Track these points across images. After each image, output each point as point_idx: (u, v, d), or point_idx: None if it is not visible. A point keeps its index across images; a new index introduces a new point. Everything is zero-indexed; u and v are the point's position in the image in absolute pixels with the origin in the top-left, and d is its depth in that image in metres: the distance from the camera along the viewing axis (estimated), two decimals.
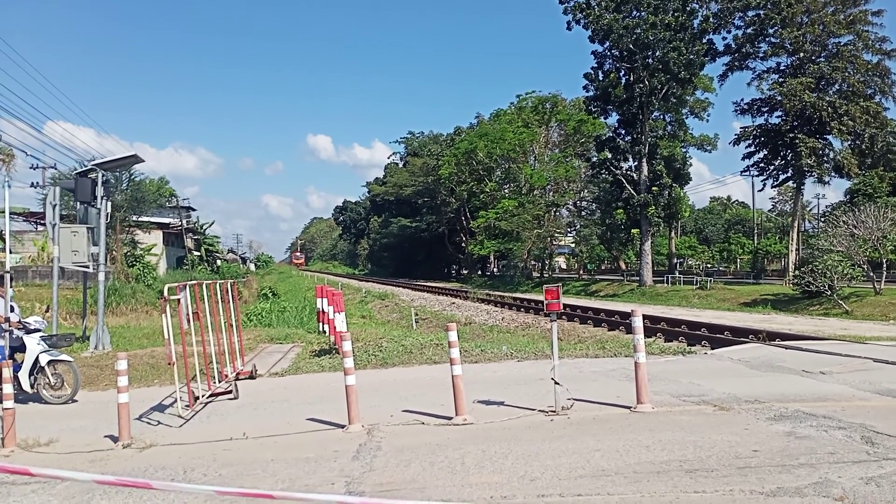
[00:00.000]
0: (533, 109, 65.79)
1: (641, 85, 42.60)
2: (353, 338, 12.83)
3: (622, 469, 5.46)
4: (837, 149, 44.98)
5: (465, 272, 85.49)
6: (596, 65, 45.95)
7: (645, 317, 19.60)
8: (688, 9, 41.40)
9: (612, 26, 41.28)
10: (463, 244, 79.05)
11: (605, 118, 50.53)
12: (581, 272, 67.91)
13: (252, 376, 11.07)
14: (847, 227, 30.13)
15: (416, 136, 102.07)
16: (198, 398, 8.83)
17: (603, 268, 72.19)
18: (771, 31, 43.25)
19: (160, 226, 52.82)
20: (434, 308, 36.66)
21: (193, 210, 69.47)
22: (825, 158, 44.39)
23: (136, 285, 33.24)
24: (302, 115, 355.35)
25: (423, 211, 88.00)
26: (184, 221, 56.40)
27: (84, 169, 15.65)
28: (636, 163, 45.52)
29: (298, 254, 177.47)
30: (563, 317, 25.12)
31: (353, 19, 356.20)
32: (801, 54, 43.52)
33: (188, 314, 8.88)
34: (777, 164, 46.29)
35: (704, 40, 42.70)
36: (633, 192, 44.50)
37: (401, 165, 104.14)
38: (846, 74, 42.42)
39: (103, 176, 14.75)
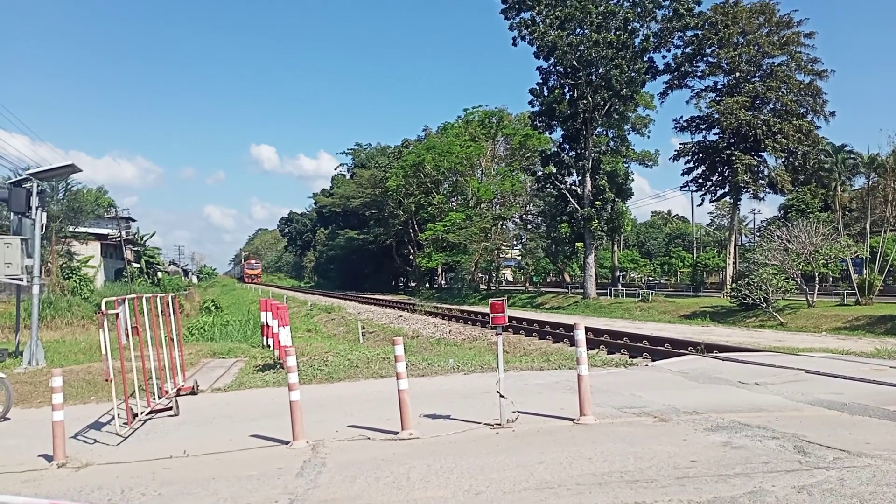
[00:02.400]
0: (480, 123, 66.39)
1: (585, 101, 43.48)
2: (298, 352, 12.69)
3: (565, 481, 5.54)
4: (772, 166, 46.72)
5: (413, 285, 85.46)
6: (541, 81, 46.81)
7: (588, 329, 19.93)
8: (629, 28, 42.48)
9: (557, 43, 42.06)
10: (411, 256, 79.06)
11: (549, 133, 51.45)
12: (527, 285, 68.67)
13: (193, 392, 10.84)
14: (781, 242, 31.22)
15: (364, 147, 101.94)
16: (136, 415, 8.60)
17: (548, 280, 73.12)
18: (708, 50, 44.73)
19: (98, 237, 51.46)
20: (381, 321, 36.51)
21: (133, 221, 67.94)
22: (760, 175, 46.01)
23: (72, 298, 32.25)
24: (245, 123, 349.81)
25: (371, 223, 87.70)
26: (123, 232, 55.00)
27: (18, 178, 15.15)
28: (580, 177, 46.38)
29: (254, 262, 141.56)
30: (509, 329, 25.32)
31: (297, 27, 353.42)
32: (738, 74, 45.13)
33: (127, 329, 8.66)
34: (715, 179, 47.79)
35: (645, 58, 43.89)
36: (577, 206, 45.27)
37: (348, 177, 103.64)
38: (780, 94, 44.13)
39: (38, 186, 14.30)
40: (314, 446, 7.11)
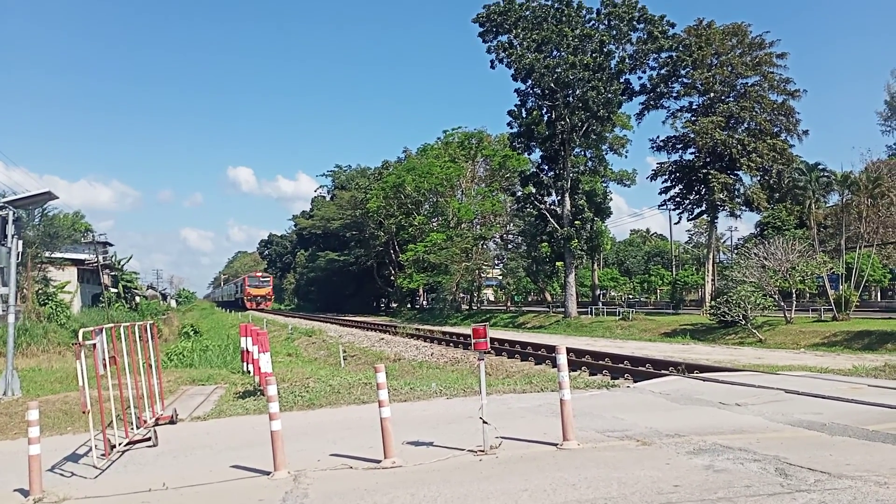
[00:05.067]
0: (459, 145, 66.78)
1: (563, 122, 43.92)
2: (278, 378, 12.59)
3: None
4: (747, 184, 47.36)
5: (395, 306, 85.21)
6: (519, 102, 47.25)
7: (570, 350, 19.91)
8: (605, 50, 43.08)
9: (534, 65, 42.52)
10: (392, 277, 78.89)
11: (528, 154, 51.79)
12: (508, 304, 68.75)
13: (172, 421, 10.69)
14: (758, 259, 31.52)
15: (344, 169, 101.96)
16: (114, 446, 8.48)
17: (530, 299, 73.35)
18: (683, 72, 45.37)
19: (75, 262, 50.80)
20: (363, 344, 36.31)
21: (110, 245, 67.16)
22: (736, 193, 46.60)
23: (48, 325, 31.79)
24: (222, 145, 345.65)
25: (352, 244, 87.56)
26: (100, 257, 54.35)
27: None
28: (559, 197, 46.71)
29: (260, 277, 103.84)
30: (491, 352, 25.26)
31: (274, 48, 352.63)
32: (712, 94, 45.83)
33: (104, 359, 8.54)
34: (692, 198, 48.30)
35: (621, 80, 44.48)
36: (556, 225, 45.53)
37: (328, 199, 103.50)
38: (754, 113, 44.86)
39: (14, 213, 14.14)
40: (296, 476, 7.04)
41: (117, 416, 9.06)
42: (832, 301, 31.77)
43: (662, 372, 16.95)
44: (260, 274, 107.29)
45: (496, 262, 72.67)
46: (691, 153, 47.25)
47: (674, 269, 67.74)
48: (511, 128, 48.82)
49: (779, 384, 12.17)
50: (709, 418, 9.41)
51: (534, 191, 47.83)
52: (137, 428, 9.43)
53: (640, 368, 18.46)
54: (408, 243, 66.12)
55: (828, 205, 57.06)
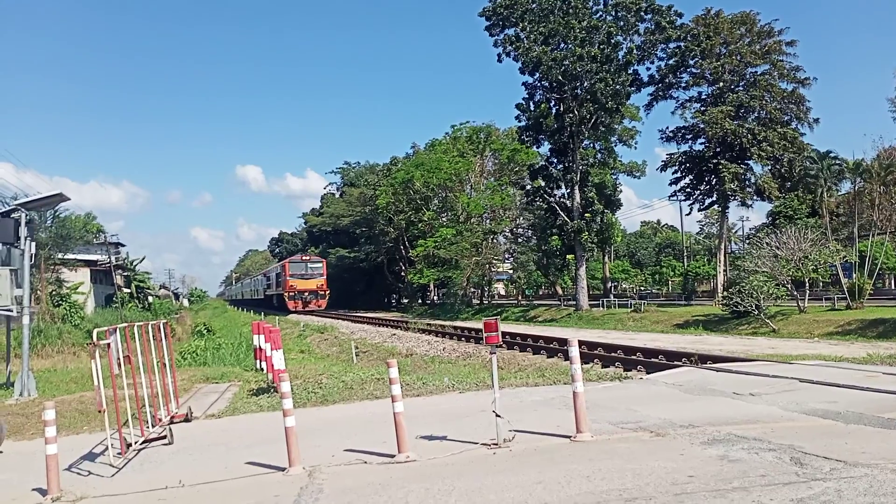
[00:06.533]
0: (468, 139, 66.67)
1: (571, 115, 43.71)
2: (291, 375, 12.65)
3: (564, 501, 5.52)
4: (758, 173, 47.15)
5: (406, 301, 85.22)
6: (527, 95, 47.06)
7: (582, 342, 19.91)
8: (612, 41, 42.81)
9: (541, 58, 42.34)
10: (402, 273, 78.97)
11: (537, 147, 51.59)
12: (519, 298, 68.64)
13: (187, 419, 10.75)
14: (770, 249, 31.32)
15: (353, 166, 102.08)
16: (130, 445, 8.53)
17: (541, 293, 73.14)
18: (692, 62, 45.18)
19: (87, 263, 51.21)
20: (375, 340, 36.36)
21: (122, 245, 67.64)
22: (747, 183, 46.41)
23: (62, 326, 32.07)
24: (230, 145, 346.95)
25: (362, 241, 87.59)
26: (112, 258, 54.68)
27: (6, 209, 15.09)
28: (569, 190, 46.52)
29: (310, 262, 74.66)
30: (503, 345, 25.24)
31: (280, 47, 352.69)
32: (721, 84, 45.58)
33: (119, 358, 8.60)
34: (702, 188, 48.15)
35: (630, 71, 44.17)
36: (566, 218, 45.39)
37: (337, 196, 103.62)
38: (764, 102, 44.60)
39: (27, 216, 14.25)
40: (311, 472, 7.07)
41: (133, 415, 9.11)
42: (846, 289, 31.55)
43: (675, 363, 16.89)
44: (308, 257, 76.96)
45: (506, 256, 72.53)
46: (701, 143, 47.15)
47: (685, 260, 67.50)
48: (519, 121, 48.65)
49: (793, 373, 12.11)
50: (723, 408, 9.37)
51: (543, 184, 47.67)
52: (153, 426, 9.50)
53: (652, 360, 18.39)
54: (417, 239, 66.14)
55: (840, 193, 56.68)
